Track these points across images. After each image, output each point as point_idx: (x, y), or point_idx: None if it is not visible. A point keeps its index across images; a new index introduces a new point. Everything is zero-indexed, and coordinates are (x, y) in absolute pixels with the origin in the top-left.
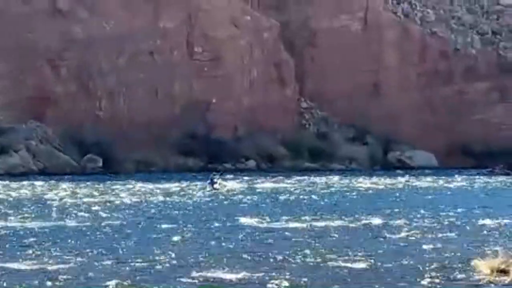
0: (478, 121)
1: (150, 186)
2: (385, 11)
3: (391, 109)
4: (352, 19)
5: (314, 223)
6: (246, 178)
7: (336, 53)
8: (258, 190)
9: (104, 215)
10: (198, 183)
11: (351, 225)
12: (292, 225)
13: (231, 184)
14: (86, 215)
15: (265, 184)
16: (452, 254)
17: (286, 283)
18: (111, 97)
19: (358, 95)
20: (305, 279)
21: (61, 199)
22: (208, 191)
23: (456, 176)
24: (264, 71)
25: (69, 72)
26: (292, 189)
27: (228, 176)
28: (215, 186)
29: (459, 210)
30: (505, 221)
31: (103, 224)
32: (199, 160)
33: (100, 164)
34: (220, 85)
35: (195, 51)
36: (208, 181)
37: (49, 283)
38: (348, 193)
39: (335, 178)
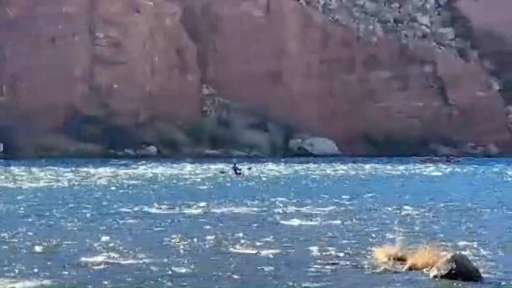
0: (379, 109)
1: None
2: None
3: (292, 97)
4: (254, 5)
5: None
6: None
7: (238, 39)
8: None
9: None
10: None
11: (254, 210)
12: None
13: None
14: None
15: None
16: (352, 241)
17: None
18: (13, 82)
19: (260, 82)
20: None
21: None
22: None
23: (356, 163)
24: (166, 57)
25: None
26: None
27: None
28: (241, 172)
29: (361, 197)
30: (406, 207)
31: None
32: (100, 145)
33: (1, 149)
34: (122, 71)
35: (97, 36)
36: (231, 167)
37: None
38: (251, 182)
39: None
